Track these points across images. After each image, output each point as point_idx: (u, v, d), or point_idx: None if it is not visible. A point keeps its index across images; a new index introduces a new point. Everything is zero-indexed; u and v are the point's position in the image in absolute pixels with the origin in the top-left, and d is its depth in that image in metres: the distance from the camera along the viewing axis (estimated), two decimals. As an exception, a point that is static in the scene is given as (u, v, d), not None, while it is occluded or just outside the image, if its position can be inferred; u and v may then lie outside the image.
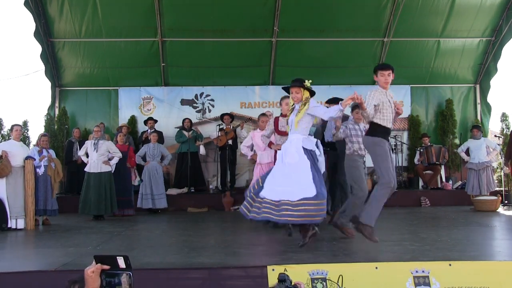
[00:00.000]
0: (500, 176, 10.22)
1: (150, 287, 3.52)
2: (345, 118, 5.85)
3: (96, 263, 1.96)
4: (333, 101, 6.34)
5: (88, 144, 7.82)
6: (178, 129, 10.18)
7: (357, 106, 5.20)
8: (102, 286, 1.95)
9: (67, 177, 9.57)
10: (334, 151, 6.06)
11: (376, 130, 4.66)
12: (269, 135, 5.94)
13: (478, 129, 9.28)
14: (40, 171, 7.20)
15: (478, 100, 11.33)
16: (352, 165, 5.33)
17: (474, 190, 8.80)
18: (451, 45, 10.73)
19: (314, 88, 4.85)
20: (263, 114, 6.97)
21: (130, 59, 10.47)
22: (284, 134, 5.49)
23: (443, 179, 10.26)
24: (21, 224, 6.65)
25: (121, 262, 1.97)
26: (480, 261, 4.00)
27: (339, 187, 6.20)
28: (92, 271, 1.93)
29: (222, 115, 10.05)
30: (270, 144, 5.97)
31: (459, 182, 10.37)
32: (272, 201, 4.42)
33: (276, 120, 5.86)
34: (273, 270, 3.61)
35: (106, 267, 1.96)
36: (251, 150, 6.96)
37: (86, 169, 7.75)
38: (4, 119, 10.44)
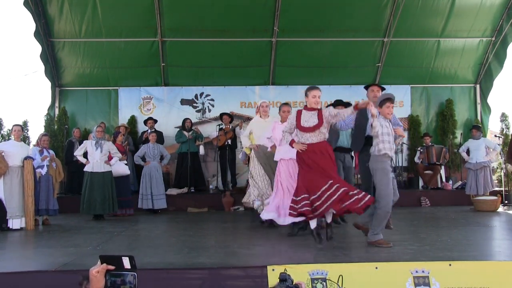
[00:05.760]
0: (500, 176, 10.23)
1: (150, 287, 3.52)
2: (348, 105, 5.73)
3: (101, 263, 1.96)
4: (338, 103, 6.48)
5: (88, 144, 7.78)
6: (178, 129, 10.18)
7: (388, 100, 4.78)
8: (106, 286, 1.95)
9: (67, 177, 9.56)
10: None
11: None
12: (291, 131, 5.05)
13: (477, 129, 9.29)
14: (43, 171, 7.21)
15: (478, 100, 11.34)
16: (383, 168, 4.67)
17: (471, 189, 8.83)
18: (451, 45, 10.73)
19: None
20: (285, 104, 6.11)
21: (130, 59, 10.48)
22: (308, 130, 4.83)
23: (443, 179, 10.26)
24: (16, 224, 6.61)
25: (126, 263, 1.98)
26: (480, 261, 4.00)
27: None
28: (97, 271, 1.93)
29: (221, 115, 10.06)
30: (292, 143, 5.00)
31: (459, 182, 10.38)
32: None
33: (299, 113, 4.98)
34: (273, 270, 3.61)
35: (111, 267, 1.96)
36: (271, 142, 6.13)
37: (88, 169, 7.71)
38: (4, 119, 10.48)
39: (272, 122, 6.32)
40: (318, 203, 4.60)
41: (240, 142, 9.62)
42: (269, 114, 6.69)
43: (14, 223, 6.62)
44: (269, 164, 6.21)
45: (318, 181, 4.69)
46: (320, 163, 4.77)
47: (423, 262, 3.83)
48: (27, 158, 6.82)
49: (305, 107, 4.98)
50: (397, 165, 9.87)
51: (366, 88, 5.62)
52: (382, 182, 4.65)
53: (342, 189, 4.56)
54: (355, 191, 4.58)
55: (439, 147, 10.09)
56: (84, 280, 1.99)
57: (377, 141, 4.71)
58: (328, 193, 4.59)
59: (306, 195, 4.70)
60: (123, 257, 1.98)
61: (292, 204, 4.84)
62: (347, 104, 6.31)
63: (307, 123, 4.85)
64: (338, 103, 6.57)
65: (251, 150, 6.65)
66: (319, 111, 4.88)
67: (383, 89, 5.51)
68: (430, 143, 10.12)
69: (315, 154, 4.80)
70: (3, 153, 6.61)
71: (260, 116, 6.66)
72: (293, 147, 5.00)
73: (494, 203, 8.34)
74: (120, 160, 8.03)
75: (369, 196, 4.57)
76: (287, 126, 5.09)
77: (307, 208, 4.65)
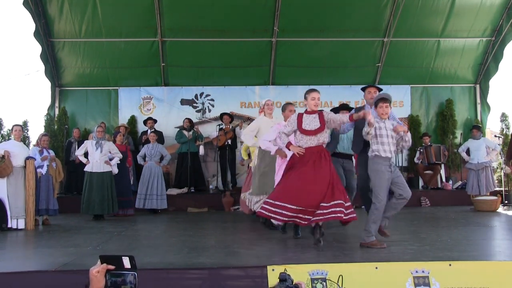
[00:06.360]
0: (500, 176, 10.23)
1: (150, 287, 3.52)
2: (358, 109, 5.67)
3: (102, 263, 1.96)
4: (343, 107, 6.48)
5: (89, 144, 7.78)
6: (179, 129, 10.19)
7: (381, 100, 4.78)
8: (107, 286, 1.95)
9: (66, 177, 9.56)
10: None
11: None
12: (290, 133, 4.94)
13: (478, 129, 9.29)
14: (43, 170, 7.21)
15: (478, 100, 11.34)
16: (376, 170, 4.70)
17: (473, 190, 8.82)
18: (451, 45, 10.73)
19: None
20: (291, 103, 5.87)
21: (130, 59, 10.48)
22: (310, 133, 4.77)
23: (443, 179, 10.26)
24: (21, 224, 6.63)
25: (126, 262, 1.97)
26: (480, 261, 4.00)
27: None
28: (97, 271, 1.93)
29: (222, 115, 10.07)
30: (289, 145, 4.92)
31: (459, 182, 10.38)
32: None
33: (300, 116, 4.89)
34: (273, 270, 3.61)
35: (111, 267, 1.96)
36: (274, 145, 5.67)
37: (88, 169, 7.72)
38: (4, 119, 10.48)
39: (273, 123, 6.11)
40: (300, 216, 4.61)
41: (241, 142, 9.61)
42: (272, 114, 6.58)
43: (19, 223, 6.62)
44: (269, 167, 6.11)
45: (309, 194, 4.59)
46: (313, 171, 4.67)
47: (423, 262, 3.83)
48: (29, 158, 6.83)
49: (306, 111, 4.91)
50: (397, 165, 9.87)
51: (363, 89, 5.67)
52: (375, 184, 4.67)
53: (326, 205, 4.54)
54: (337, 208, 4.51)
55: (437, 146, 10.09)
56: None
57: (372, 142, 4.72)
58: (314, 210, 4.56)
59: (289, 206, 4.61)
60: (123, 257, 1.98)
61: (269, 205, 4.74)
62: (351, 109, 6.31)
63: (308, 126, 4.78)
64: (343, 107, 6.54)
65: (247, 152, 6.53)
66: (320, 113, 4.81)
67: (380, 90, 5.53)
68: (429, 143, 10.12)
69: (311, 159, 4.71)
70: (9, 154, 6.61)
71: (265, 115, 6.37)
72: (289, 150, 4.93)
73: (494, 203, 8.34)
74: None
75: (350, 211, 4.58)
76: (287, 128, 4.94)
77: (284, 218, 4.68)
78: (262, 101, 6.51)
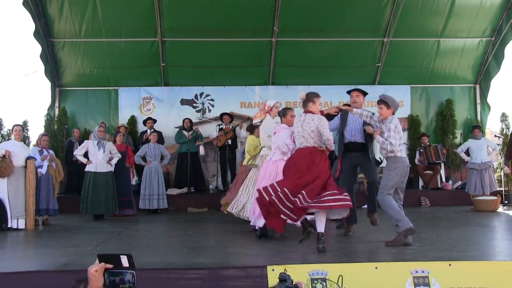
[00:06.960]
0: (500, 176, 10.23)
1: (150, 287, 3.52)
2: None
3: (100, 262, 1.96)
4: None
5: (90, 144, 7.76)
6: (178, 129, 10.19)
7: (380, 102, 4.91)
8: (105, 285, 1.95)
9: (67, 177, 9.56)
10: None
11: None
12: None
13: (479, 129, 9.28)
14: (43, 170, 7.21)
15: (478, 100, 11.34)
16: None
17: (476, 190, 8.76)
18: (451, 45, 10.73)
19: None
20: (290, 109, 5.79)
21: (130, 59, 10.48)
22: None
23: (443, 179, 10.26)
24: (22, 224, 6.63)
25: (124, 261, 1.97)
26: (480, 261, 4.00)
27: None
28: (96, 270, 1.93)
29: (222, 115, 10.07)
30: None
31: (459, 182, 10.38)
32: None
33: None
34: (273, 270, 3.61)
35: (109, 266, 1.96)
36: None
37: (91, 169, 7.69)
38: (4, 119, 10.49)
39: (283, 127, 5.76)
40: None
41: (241, 142, 9.60)
42: None
43: (20, 223, 6.61)
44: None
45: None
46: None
47: (423, 262, 3.83)
48: (29, 158, 6.83)
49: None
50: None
51: (349, 93, 5.76)
52: None
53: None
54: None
55: (435, 145, 10.09)
56: (80, 284, 1.98)
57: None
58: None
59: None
60: (121, 256, 1.98)
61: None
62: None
63: None
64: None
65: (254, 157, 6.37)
66: None
67: (364, 93, 5.65)
68: (428, 143, 10.12)
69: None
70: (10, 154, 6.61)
71: (271, 116, 6.06)
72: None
73: (494, 203, 8.34)
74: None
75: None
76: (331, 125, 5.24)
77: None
78: (269, 102, 6.17)
